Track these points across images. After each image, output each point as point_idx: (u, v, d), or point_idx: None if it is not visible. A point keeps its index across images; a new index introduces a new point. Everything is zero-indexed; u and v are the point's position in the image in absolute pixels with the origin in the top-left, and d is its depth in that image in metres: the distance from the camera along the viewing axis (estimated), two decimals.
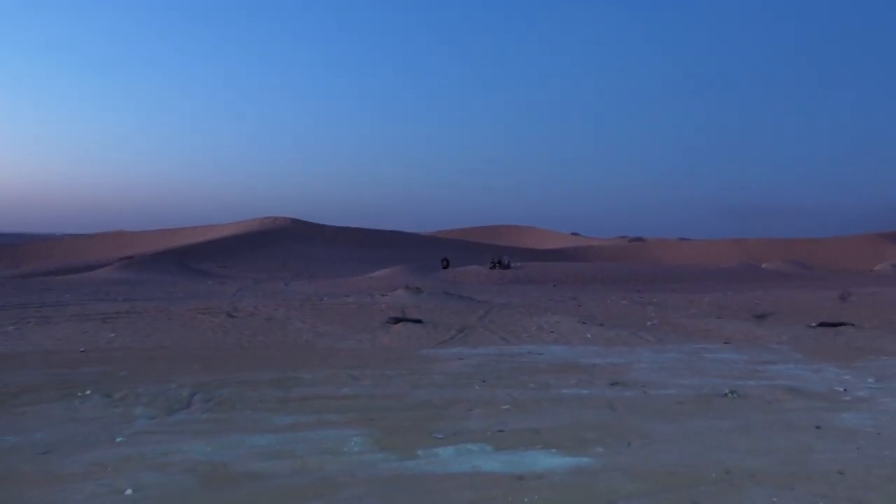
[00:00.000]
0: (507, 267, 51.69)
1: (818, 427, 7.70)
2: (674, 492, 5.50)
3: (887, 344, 15.71)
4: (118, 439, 7.03)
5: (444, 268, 59.41)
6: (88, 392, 9.11)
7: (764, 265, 74.69)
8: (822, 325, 19.37)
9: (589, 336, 16.34)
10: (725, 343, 15.72)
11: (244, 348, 14.52)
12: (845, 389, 9.98)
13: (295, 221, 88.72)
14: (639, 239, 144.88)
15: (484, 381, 10.40)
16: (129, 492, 5.46)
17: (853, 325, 19.51)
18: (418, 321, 17.58)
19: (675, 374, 11.28)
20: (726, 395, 9.46)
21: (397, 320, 17.53)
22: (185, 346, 14.56)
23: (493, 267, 51.87)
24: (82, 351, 13.55)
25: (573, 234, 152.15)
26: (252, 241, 74.64)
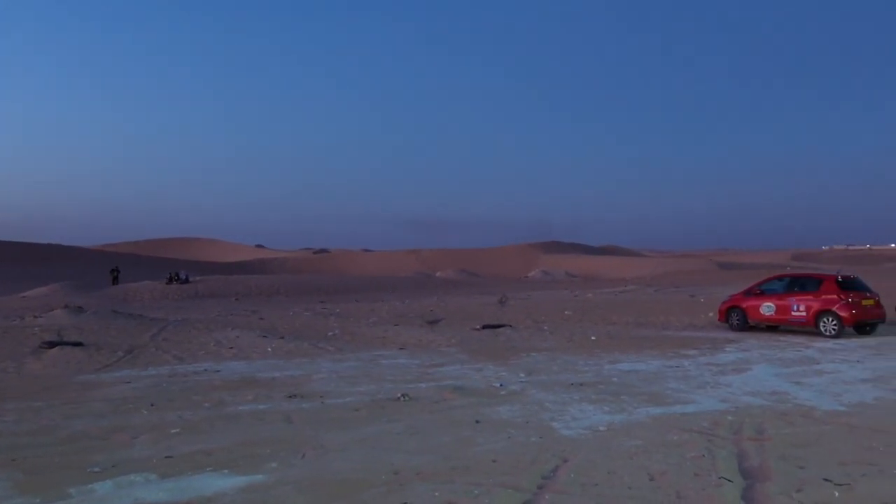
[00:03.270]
0: (186, 281, 49.12)
1: (477, 421, 8.39)
2: (344, 499, 5.56)
3: (537, 342, 17.73)
4: None
5: (114, 281, 54.77)
6: None
7: (437, 274, 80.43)
8: (485, 327, 21.30)
9: (269, 349, 16.09)
10: (401, 349, 16.52)
11: None
12: (501, 385, 11.03)
13: None
14: (323, 250, 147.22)
15: (152, 405, 9.67)
16: None
17: (510, 326, 21.75)
18: (78, 344, 15.84)
19: (353, 381, 11.55)
20: (399, 398, 9.90)
21: (52, 344, 15.61)
22: None
23: (170, 282, 48.97)
24: None
25: (258, 246, 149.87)
26: None
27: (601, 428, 7.97)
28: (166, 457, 6.92)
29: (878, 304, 18.82)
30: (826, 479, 5.95)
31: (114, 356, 15.00)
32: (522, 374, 12.16)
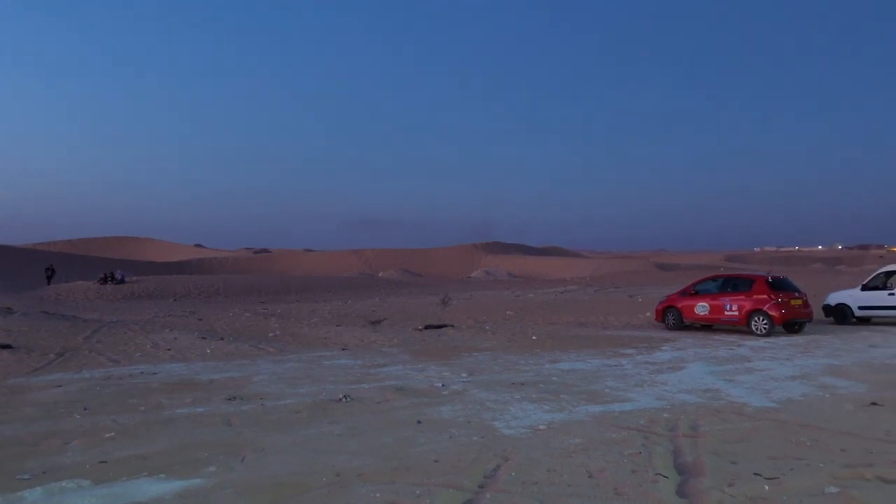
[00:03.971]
0: (121, 282, 47.87)
1: (419, 421, 8.40)
2: (285, 502, 5.51)
3: (479, 341, 17.85)
4: None
5: (49, 277, 53.13)
6: None
7: (380, 274, 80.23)
8: (427, 327, 21.34)
9: (208, 351, 15.80)
10: (343, 349, 16.42)
11: None
12: (443, 385, 11.06)
13: None
14: (264, 250, 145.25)
15: (86, 409, 9.40)
16: None
17: (453, 326, 21.84)
18: (7, 346, 15.28)
19: (294, 383, 11.43)
20: (341, 399, 9.85)
21: None
22: None
23: (104, 282, 47.66)
24: None
25: (196, 245, 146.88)
26: None
27: (541, 427, 8.07)
28: (100, 462, 6.74)
29: (805, 304, 19.54)
30: (756, 474, 6.16)
31: (45, 359, 14.53)
32: (464, 374, 12.23)
